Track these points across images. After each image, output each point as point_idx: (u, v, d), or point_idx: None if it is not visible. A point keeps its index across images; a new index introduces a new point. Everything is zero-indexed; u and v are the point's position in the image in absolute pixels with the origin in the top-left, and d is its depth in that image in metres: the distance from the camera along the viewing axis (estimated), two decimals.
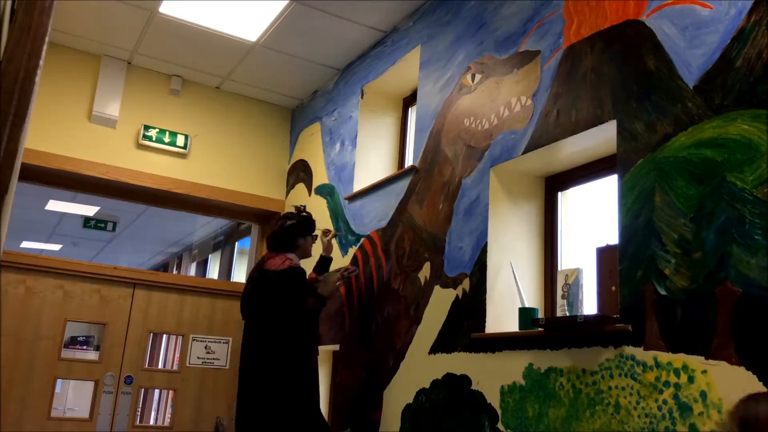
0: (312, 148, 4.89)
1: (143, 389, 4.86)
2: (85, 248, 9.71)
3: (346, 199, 4.22)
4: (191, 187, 4.86)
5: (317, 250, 3.78)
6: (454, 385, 2.94)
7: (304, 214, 3.65)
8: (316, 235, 3.72)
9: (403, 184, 3.64)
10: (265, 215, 5.24)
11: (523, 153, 2.81)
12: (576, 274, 2.67)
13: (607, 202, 2.61)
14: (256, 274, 3.45)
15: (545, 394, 2.46)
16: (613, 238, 2.37)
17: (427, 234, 3.34)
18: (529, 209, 3.02)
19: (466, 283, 2.99)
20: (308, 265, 3.66)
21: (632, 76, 2.36)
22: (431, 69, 3.64)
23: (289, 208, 5.05)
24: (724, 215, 1.95)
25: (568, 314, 2.64)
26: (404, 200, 3.61)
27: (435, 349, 3.11)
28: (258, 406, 3.20)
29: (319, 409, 3.39)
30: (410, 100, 4.33)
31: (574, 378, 2.35)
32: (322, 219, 4.44)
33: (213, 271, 8.70)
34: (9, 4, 1.50)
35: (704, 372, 1.93)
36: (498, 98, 3.04)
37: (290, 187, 5.15)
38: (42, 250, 9.66)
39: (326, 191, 4.54)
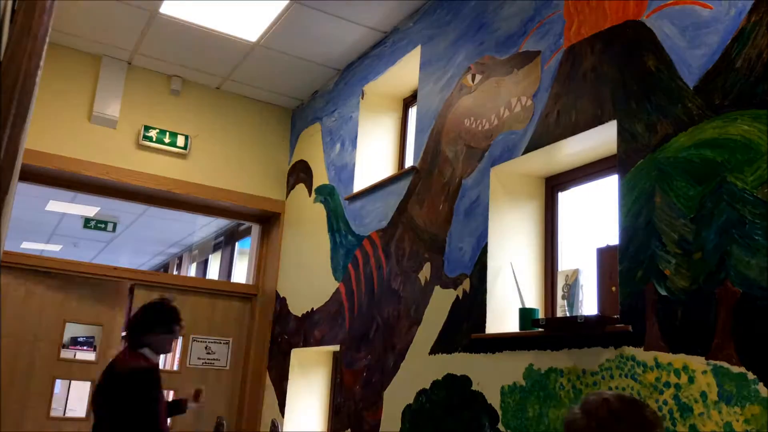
0: (312, 148, 4.89)
1: None
2: (85, 249, 9.71)
3: (346, 199, 4.22)
4: (191, 187, 4.86)
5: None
6: (455, 386, 2.93)
7: (168, 307, 3.10)
8: (178, 330, 3.10)
9: (403, 185, 3.64)
10: (266, 216, 5.24)
11: (524, 153, 2.81)
12: (576, 274, 2.67)
13: (607, 203, 2.60)
14: (107, 372, 2.96)
15: (545, 395, 2.46)
16: (613, 239, 2.37)
17: (428, 234, 3.34)
18: (529, 209, 3.02)
19: (466, 284, 2.99)
20: None
21: (632, 76, 2.36)
22: (431, 69, 3.64)
23: (289, 208, 5.07)
24: (725, 215, 1.95)
25: (568, 314, 2.65)
26: (404, 201, 3.61)
27: (435, 349, 3.11)
28: None
29: None
30: (410, 100, 4.33)
31: (575, 378, 2.35)
32: (323, 219, 4.44)
33: (213, 272, 8.71)
34: (9, 4, 1.50)
35: (704, 372, 1.93)
36: (498, 98, 3.04)
37: (290, 187, 5.15)
38: (42, 251, 9.66)
39: (326, 192, 4.54)
